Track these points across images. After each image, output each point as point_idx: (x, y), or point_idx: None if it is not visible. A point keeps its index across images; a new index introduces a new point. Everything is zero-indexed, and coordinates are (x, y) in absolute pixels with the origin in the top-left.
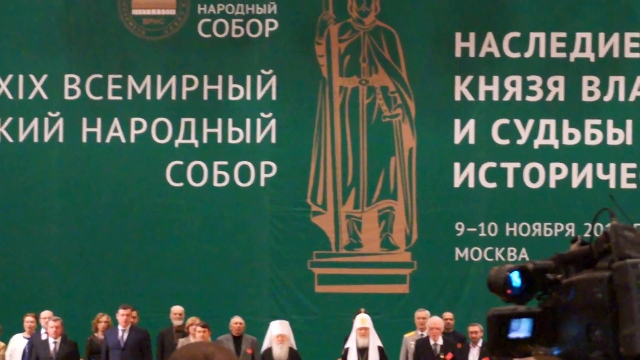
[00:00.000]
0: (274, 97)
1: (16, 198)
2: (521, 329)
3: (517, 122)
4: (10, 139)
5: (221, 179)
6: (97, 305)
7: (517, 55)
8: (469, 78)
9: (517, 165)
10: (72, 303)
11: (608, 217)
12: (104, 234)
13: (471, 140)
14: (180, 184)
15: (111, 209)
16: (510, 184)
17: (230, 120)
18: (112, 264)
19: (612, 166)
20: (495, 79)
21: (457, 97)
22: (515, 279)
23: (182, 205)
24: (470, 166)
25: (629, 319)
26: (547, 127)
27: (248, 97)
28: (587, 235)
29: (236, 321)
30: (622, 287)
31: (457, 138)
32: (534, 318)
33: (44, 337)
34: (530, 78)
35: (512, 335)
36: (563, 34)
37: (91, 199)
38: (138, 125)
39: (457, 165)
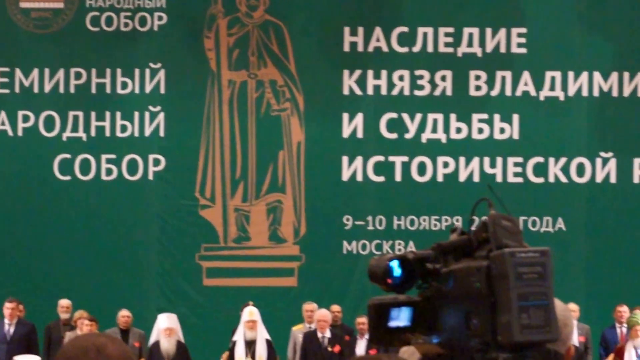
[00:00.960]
0: (162, 90)
1: None
2: (401, 318)
3: (405, 117)
4: None
5: (109, 172)
6: None
7: (405, 50)
8: (358, 72)
9: (405, 159)
10: None
11: (487, 207)
12: None
13: (359, 134)
14: (68, 178)
15: None
16: (398, 177)
17: (118, 114)
18: None
19: (499, 160)
20: (384, 73)
21: (346, 91)
22: (395, 268)
23: (69, 198)
24: (359, 160)
25: (506, 307)
26: (435, 121)
27: (136, 91)
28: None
29: (123, 314)
30: (499, 276)
31: (346, 132)
32: (414, 307)
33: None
34: (418, 72)
35: (392, 324)
36: (451, 29)
37: None
38: (25, 119)
39: (345, 159)
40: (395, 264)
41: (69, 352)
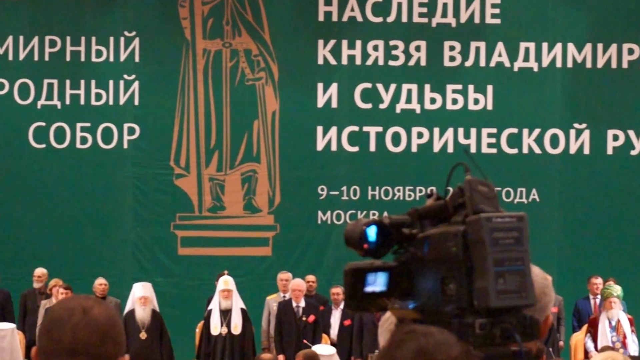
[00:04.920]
0: (137, 59)
1: None
2: (377, 283)
3: (380, 87)
4: None
5: (84, 140)
6: None
7: (379, 20)
8: (332, 42)
9: (379, 129)
10: None
11: (463, 172)
12: None
13: (334, 104)
14: (43, 146)
15: None
16: (372, 147)
17: (93, 82)
18: None
19: (473, 131)
20: (358, 43)
21: (320, 61)
22: (371, 233)
23: (44, 167)
24: (333, 130)
25: (483, 272)
26: (409, 91)
27: (111, 59)
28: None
29: (100, 282)
30: (475, 241)
31: (320, 102)
32: (390, 272)
33: None
34: (392, 43)
35: (368, 289)
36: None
37: None
38: (0, 86)
39: (319, 129)
40: (371, 229)
41: (55, 313)
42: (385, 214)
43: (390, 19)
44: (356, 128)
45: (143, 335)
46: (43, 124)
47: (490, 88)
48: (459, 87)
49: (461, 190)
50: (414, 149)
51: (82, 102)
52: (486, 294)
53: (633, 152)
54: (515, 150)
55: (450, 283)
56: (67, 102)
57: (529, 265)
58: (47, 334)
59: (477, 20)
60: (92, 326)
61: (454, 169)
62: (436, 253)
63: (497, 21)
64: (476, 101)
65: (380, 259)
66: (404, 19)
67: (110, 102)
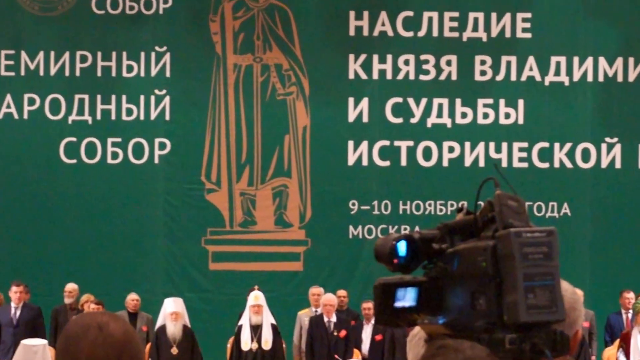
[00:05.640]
0: (168, 74)
1: None
2: (407, 298)
3: (411, 101)
4: None
5: (115, 155)
6: None
7: (410, 34)
8: (363, 56)
9: (410, 143)
10: None
11: (493, 187)
12: None
13: (365, 119)
14: (74, 161)
15: (4, 186)
16: (403, 162)
17: (124, 97)
18: (5, 240)
19: (504, 145)
20: (389, 57)
21: (351, 76)
22: (401, 248)
23: (75, 182)
24: (364, 144)
25: (512, 287)
26: (440, 105)
27: (142, 74)
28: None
29: (132, 298)
30: (505, 256)
31: (351, 116)
32: (420, 287)
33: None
34: (423, 57)
35: (398, 304)
36: (456, 14)
37: None
38: (31, 102)
39: (350, 144)
40: (401, 244)
41: (71, 330)
42: (417, 228)
43: (421, 33)
44: (387, 142)
45: (174, 350)
46: (74, 139)
47: (521, 102)
48: (490, 101)
49: (491, 205)
50: (445, 163)
51: (113, 117)
52: (516, 309)
53: None
54: (546, 165)
55: (479, 298)
56: (98, 117)
57: (559, 280)
58: (64, 352)
59: (508, 34)
60: (109, 342)
61: (484, 184)
62: (466, 268)
63: (528, 35)
64: (507, 115)
65: (410, 274)
66: (435, 33)
67: (141, 117)
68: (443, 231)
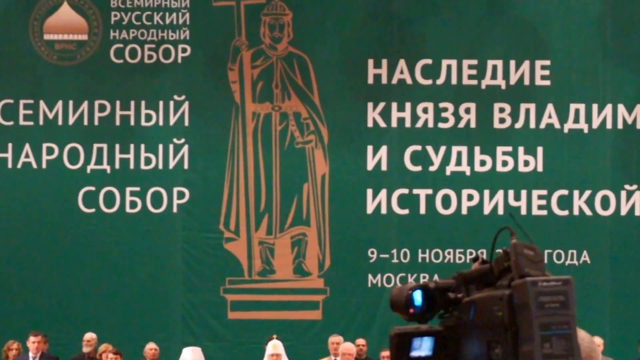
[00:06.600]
0: (186, 123)
1: None
2: (423, 348)
3: (429, 149)
4: None
5: (133, 205)
6: (8, 332)
7: (429, 82)
8: (382, 104)
9: (429, 191)
10: None
11: (509, 236)
12: (15, 260)
13: (384, 167)
14: (93, 210)
15: (23, 235)
16: (422, 210)
17: (142, 146)
18: (23, 289)
19: (523, 193)
20: (408, 105)
21: (370, 124)
22: (417, 297)
23: (94, 231)
24: (383, 192)
25: (529, 336)
26: (459, 153)
27: (160, 123)
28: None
29: (151, 347)
30: (521, 305)
31: (370, 164)
32: (436, 337)
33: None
34: (442, 105)
35: (414, 354)
36: (474, 61)
37: (2, 225)
38: (50, 151)
39: (369, 192)
40: (417, 294)
41: None
42: (436, 277)
43: (440, 81)
44: (406, 191)
45: None
46: (93, 188)
47: (540, 150)
48: (509, 149)
49: (507, 254)
50: (464, 211)
51: (132, 166)
52: (532, 357)
53: None
54: (565, 212)
55: (496, 348)
56: (117, 166)
57: (575, 329)
58: None
59: (526, 82)
60: None
61: (499, 233)
62: (482, 317)
63: (547, 83)
64: (526, 163)
65: (426, 323)
66: (454, 81)
67: (160, 166)
68: (459, 280)
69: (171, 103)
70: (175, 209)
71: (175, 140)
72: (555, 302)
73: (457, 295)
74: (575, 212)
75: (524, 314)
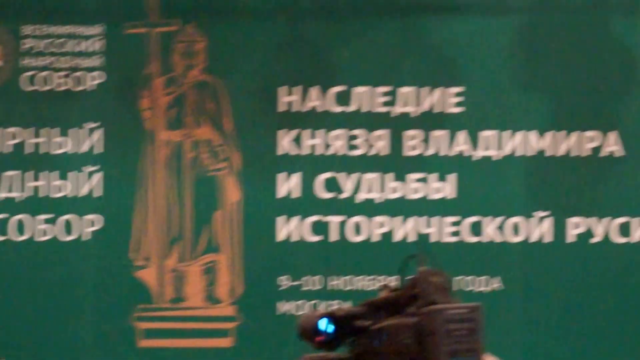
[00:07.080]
0: (99, 150)
1: None
2: None
3: (341, 176)
4: None
5: (44, 233)
6: None
7: (341, 109)
8: (293, 132)
9: (341, 218)
10: None
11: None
12: None
13: (295, 194)
14: (3, 238)
15: None
16: (334, 237)
17: (54, 174)
18: None
19: (435, 220)
20: (320, 132)
21: (281, 151)
22: (325, 325)
23: (3, 260)
24: (295, 219)
25: None
26: (371, 181)
27: (73, 150)
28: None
29: None
30: (429, 333)
31: (281, 192)
32: None
33: None
34: (354, 132)
35: None
36: (387, 88)
37: None
38: None
39: (281, 219)
40: (324, 322)
41: None
42: (346, 304)
43: (352, 108)
44: (317, 218)
45: None
46: (5, 215)
47: (451, 177)
48: (421, 175)
49: (414, 282)
50: (375, 238)
51: (43, 194)
52: None
53: (592, 240)
54: (477, 239)
55: None
56: (28, 194)
57: (482, 356)
58: None
59: (438, 109)
60: None
61: (408, 261)
62: (390, 345)
63: (459, 109)
64: (438, 190)
65: (334, 351)
66: (366, 108)
67: (72, 194)
68: (368, 308)
69: (84, 130)
70: (87, 237)
71: (87, 167)
72: (463, 329)
73: (365, 322)
74: (487, 238)
75: (431, 341)
